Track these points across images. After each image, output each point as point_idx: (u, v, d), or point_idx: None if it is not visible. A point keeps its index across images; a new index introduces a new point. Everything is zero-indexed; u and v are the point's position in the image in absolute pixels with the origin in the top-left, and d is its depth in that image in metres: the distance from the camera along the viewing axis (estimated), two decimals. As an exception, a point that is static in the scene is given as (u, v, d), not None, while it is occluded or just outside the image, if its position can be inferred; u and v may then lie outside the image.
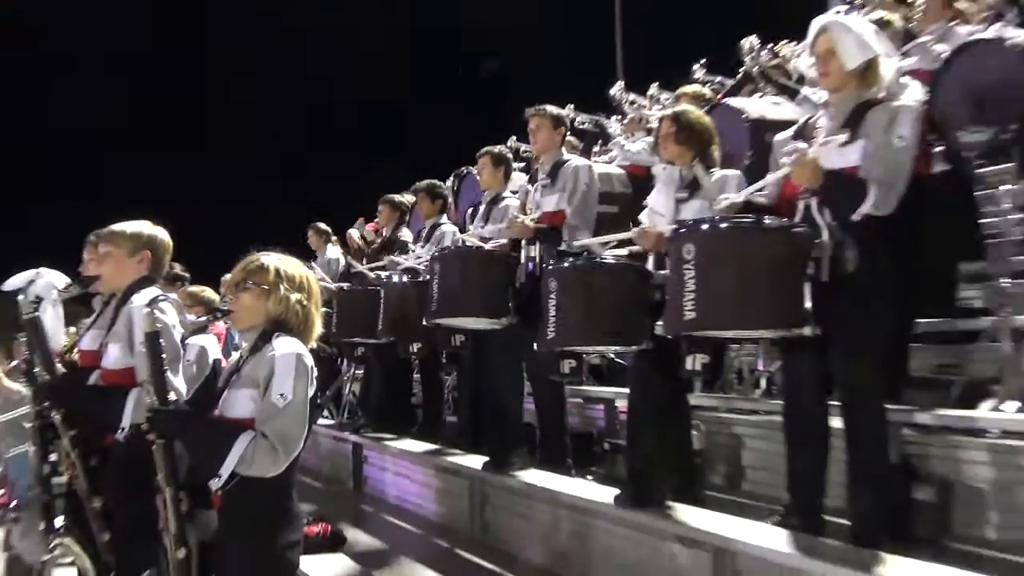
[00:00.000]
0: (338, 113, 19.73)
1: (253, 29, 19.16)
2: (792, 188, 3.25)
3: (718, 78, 7.22)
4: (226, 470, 2.38)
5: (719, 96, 5.97)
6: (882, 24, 4.42)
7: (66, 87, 18.07)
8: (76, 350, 3.61)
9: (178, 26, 19.38)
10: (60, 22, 18.57)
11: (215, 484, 2.42)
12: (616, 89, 7.75)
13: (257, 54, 19.22)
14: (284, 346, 2.51)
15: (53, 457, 3.38)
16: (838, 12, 4.82)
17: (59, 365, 3.41)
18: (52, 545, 3.33)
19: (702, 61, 7.36)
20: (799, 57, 5.39)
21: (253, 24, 19.04)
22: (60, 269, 4.11)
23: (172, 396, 2.66)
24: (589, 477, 4.58)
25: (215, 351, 4.07)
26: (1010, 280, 3.76)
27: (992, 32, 4.40)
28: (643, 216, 4.02)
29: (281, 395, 2.43)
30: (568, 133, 5.32)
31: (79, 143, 17.77)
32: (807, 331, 2.97)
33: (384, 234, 7.33)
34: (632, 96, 7.79)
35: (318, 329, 2.69)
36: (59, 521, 3.43)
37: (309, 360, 2.55)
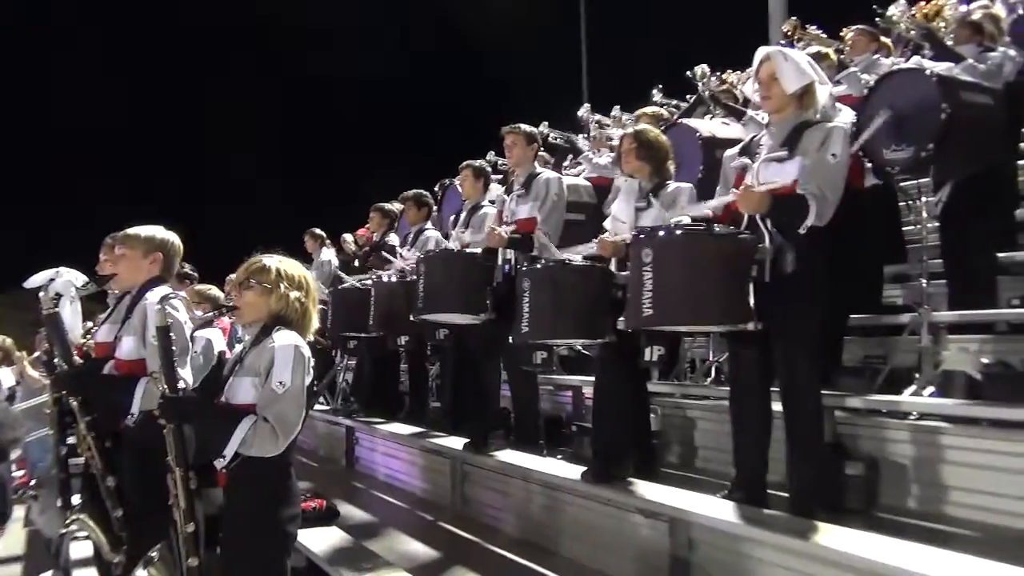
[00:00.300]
0: (339, 117, 19.40)
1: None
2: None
3: (674, 101, 7.29)
4: (230, 450, 2.37)
5: (675, 117, 6.01)
6: (821, 57, 4.48)
7: (68, 88, 17.57)
8: (91, 339, 3.57)
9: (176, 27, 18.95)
10: (59, 21, 18.07)
11: (220, 463, 2.41)
12: (583, 111, 7.77)
13: (262, 54, 18.76)
14: (283, 339, 2.50)
15: (71, 440, 3.35)
16: (779, 44, 4.90)
17: (76, 356, 3.37)
18: (69, 521, 3.29)
19: (659, 86, 7.42)
20: (745, 83, 5.45)
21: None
22: (75, 267, 4.05)
23: (181, 385, 2.64)
24: (559, 456, 4.58)
25: (220, 343, 4.03)
26: (927, 280, 3.83)
27: (912, 63, 4.48)
28: (607, 223, 4.04)
29: (280, 383, 2.42)
30: (541, 148, 5.32)
31: (84, 145, 17.33)
32: (751, 326, 2.99)
33: (375, 238, 7.30)
34: (597, 116, 7.84)
35: (315, 324, 2.69)
36: (76, 499, 3.40)
37: (306, 351, 2.54)
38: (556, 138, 7.66)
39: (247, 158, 18.40)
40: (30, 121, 16.81)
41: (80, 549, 4.33)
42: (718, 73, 7.00)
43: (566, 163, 7.46)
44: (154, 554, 2.56)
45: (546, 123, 7.65)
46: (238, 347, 2.85)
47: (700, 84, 5.94)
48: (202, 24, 18.96)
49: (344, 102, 18.92)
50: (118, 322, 3.38)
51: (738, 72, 7.17)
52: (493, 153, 7.81)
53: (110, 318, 3.50)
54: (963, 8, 5.70)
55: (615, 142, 6.04)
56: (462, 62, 19.27)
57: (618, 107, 7.98)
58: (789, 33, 7.05)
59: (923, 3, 5.77)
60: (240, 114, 18.46)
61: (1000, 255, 4.70)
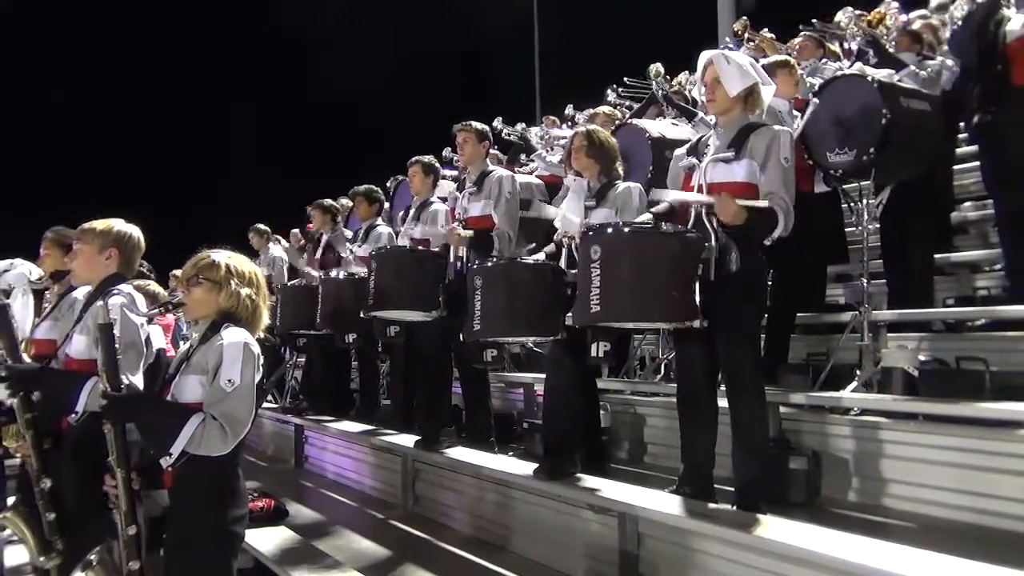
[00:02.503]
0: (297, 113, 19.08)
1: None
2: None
3: (627, 102, 7.37)
4: (177, 448, 2.31)
5: (627, 117, 6.08)
6: (782, 64, 4.57)
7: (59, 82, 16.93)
8: (30, 339, 3.43)
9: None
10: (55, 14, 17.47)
11: (166, 462, 2.35)
12: (519, 127, 7.78)
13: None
14: (232, 336, 2.45)
15: (6, 441, 3.21)
16: (727, 47, 4.97)
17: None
18: None
19: (613, 86, 7.49)
20: (693, 87, 5.52)
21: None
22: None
23: (125, 381, 2.55)
24: (510, 453, 4.60)
25: (159, 341, 3.90)
26: (868, 280, 3.94)
27: (855, 69, 4.60)
28: (557, 222, 4.05)
29: (229, 380, 2.37)
30: (492, 146, 5.31)
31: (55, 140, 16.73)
32: (696, 324, 3.02)
33: (323, 235, 7.19)
34: (534, 129, 7.91)
35: (265, 321, 2.63)
36: (11, 501, 3.27)
37: (256, 348, 2.49)
38: (509, 134, 7.66)
39: (246, 157, 18.02)
40: (28, 120, 16.14)
41: (18, 554, 4.20)
42: (669, 77, 7.09)
43: (520, 159, 7.49)
44: (92, 557, 2.47)
45: (500, 118, 7.63)
46: (184, 345, 2.77)
47: (655, 83, 6.01)
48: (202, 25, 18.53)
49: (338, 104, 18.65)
50: (60, 319, 3.25)
51: (687, 72, 7.30)
52: (449, 149, 7.80)
53: (51, 315, 3.38)
54: (903, 17, 5.89)
55: (564, 141, 6.08)
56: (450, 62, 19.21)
57: (571, 105, 8.03)
58: (739, 32, 7.18)
59: (867, 11, 5.93)
60: (237, 117, 18.02)
61: (936, 256, 4.88)
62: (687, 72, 7.47)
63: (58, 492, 2.98)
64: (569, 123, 7.84)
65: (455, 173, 7.14)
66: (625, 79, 7.54)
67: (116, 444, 2.40)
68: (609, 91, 7.40)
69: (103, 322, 2.46)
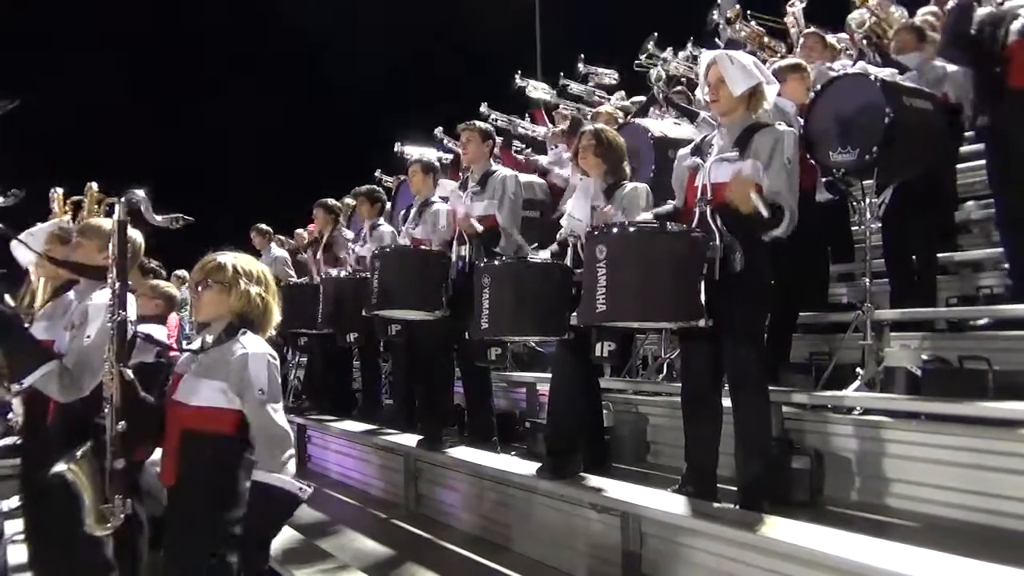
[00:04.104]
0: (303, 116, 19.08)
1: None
2: (693, 198, 3.33)
3: (593, 69, 7.37)
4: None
5: (629, 116, 6.07)
6: (795, 68, 4.56)
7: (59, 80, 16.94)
8: None
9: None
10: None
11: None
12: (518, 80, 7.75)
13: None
14: (254, 346, 2.49)
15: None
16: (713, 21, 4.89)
17: None
18: None
19: (582, 56, 7.51)
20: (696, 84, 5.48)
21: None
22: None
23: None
24: (512, 453, 4.60)
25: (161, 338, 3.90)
26: (870, 279, 3.94)
27: (857, 68, 4.60)
28: (563, 221, 4.05)
29: (261, 391, 2.48)
30: (496, 145, 5.30)
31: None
32: (702, 323, 3.02)
33: (324, 235, 7.20)
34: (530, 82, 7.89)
35: (277, 318, 2.67)
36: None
37: (275, 360, 2.57)
38: (496, 119, 7.62)
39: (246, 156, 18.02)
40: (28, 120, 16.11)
41: (20, 553, 4.20)
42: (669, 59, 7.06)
43: (520, 148, 7.47)
44: (77, 452, 2.39)
45: (485, 103, 7.60)
46: (192, 344, 2.76)
47: (656, 87, 6.00)
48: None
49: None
50: (55, 319, 3.25)
51: (693, 54, 7.26)
52: (441, 130, 7.84)
53: (45, 313, 3.37)
54: (895, 9, 5.86)
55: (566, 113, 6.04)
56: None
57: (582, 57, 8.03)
58: (731, 20, 7.14)
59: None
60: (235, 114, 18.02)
61: (939, 255, 4.88)
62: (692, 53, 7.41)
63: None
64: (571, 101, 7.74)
65: (443, 154, 7.12)
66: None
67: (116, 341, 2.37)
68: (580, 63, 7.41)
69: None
